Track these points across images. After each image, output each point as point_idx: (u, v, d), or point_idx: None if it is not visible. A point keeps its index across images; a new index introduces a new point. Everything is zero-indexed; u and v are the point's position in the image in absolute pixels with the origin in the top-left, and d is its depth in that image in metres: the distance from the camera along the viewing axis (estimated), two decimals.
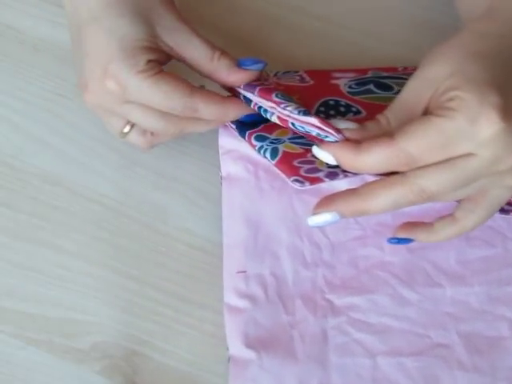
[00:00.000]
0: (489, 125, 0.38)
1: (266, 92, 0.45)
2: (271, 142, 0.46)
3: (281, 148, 0.45)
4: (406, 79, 0.49)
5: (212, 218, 0.51)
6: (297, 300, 0.48)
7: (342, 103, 0.47)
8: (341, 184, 0.45)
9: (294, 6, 0.56)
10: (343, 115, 0.46)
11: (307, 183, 0.42)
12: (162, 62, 0.45)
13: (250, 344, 0.47)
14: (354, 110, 0.47)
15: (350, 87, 0.49)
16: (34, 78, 0.54)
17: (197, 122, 0.46)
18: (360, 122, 0.44)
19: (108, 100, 0.45)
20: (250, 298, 0.48)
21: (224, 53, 0.45)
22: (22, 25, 0.55)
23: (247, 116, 0.47)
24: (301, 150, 0.45)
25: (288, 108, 0.43)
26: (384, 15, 0.56)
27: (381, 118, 0.41)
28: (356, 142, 0.40)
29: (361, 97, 0.48)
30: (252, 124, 0.48)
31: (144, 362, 0.49)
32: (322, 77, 0.50)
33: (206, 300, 0.50)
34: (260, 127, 0.48)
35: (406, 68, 0.52)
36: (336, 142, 0.41)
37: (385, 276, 0.49)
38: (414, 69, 0.50)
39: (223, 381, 0.49)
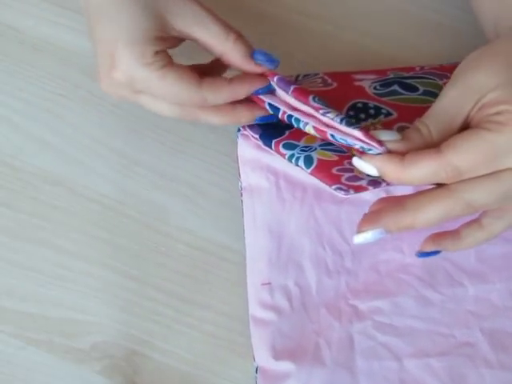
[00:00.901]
0: None
1: (302, 93, 0.43)
2: (302, 150, 0.45)
3: (315, 156, 0.44)
4: (428, 78, 0.48)
5: (212, 217, 0.51)
6: (321, 309, 0.48)
7: (371, 105, 0.46)
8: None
9: (293, 6, 0.56)
10: (374, 117, 0.45)
11: (351, 191, 0.41)
12: (174, 46, 0.45)
13: (278, 356, 0.47)
14: (383, 111, 0.45)
15: (375, 88, 0.47)
16: (34, 78, 0.54)
17: (210, 113, 0.45)
18: (392, 123, 0.44)
19: (119, 89, 0.44)
20: (276, 309, 0.48)
21: (240, 37, 0.44)
22: (22, 25, 0.55)
23: (263, 118, 0.46)
24: (336, 158, 0.44)
25: (328, 115, 0.42)
26: (384, 15, 0.56)
27: (421, 126, 0.40)
28: (400, 154, 0.40)
29: (388, 98, 0.47)
30: (274, 129, 0.46)
31: (144, 361, 0.49)
32: (345, 79, 0.49)
33: (206, 300, 0.50)
34: (286, 134, 0.46)
35: (422, 68, 0.51)
36: (379, 154, 0.40)
37: (407, 278, 0.49)
38: (432, 68, 0.50)
39: (223, 381, 0.49)
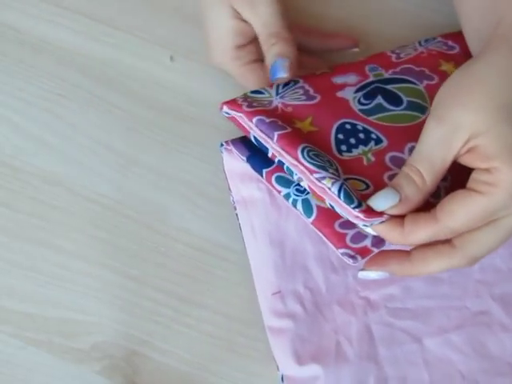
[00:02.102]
0: None
1: (289, 142, 0.42)
2: (298, 190, 0.45)
3: (313, 201, 0.44)
4: (408, 82, 0.48)
5: (212, 218, 0.51)
6: (334, 306, 0.48)
7: (360, 128, 0.45)
8: None
9: (293, 6, 0.56)
10: (364, 144, 0.44)
11: (359, 257, 0.42)
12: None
13: (302, 361, 0.47)
14: (373, 137, 0.44)
15: (359, 103, 0.46)
16: (34, 78, 0.54)
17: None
18: (383, 153, 0.44)
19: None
20: (290, 316, 0.48)
21: (280, 41, 0.48)
22: (22, 25, 0.55)
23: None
24: None
25: (324, 182, 0.41)
26: (384, 15, 0.56)
27: (413, 174, 0.41)
28: (401, 217, 0.41)
29: (374, 118, 0.46)
30: (263, 153, 0.45)
31: (144, 362, 0.49)
32: (326, 87, 0.47)
33: (205, 300, 0.50)
34: (276, 164, 0.45)
35: (398, 55, 0.50)
36: (381, 222, 0.41)
37: None
38: (408, 59, 0.50)
39: (222, 380, 0.49)
